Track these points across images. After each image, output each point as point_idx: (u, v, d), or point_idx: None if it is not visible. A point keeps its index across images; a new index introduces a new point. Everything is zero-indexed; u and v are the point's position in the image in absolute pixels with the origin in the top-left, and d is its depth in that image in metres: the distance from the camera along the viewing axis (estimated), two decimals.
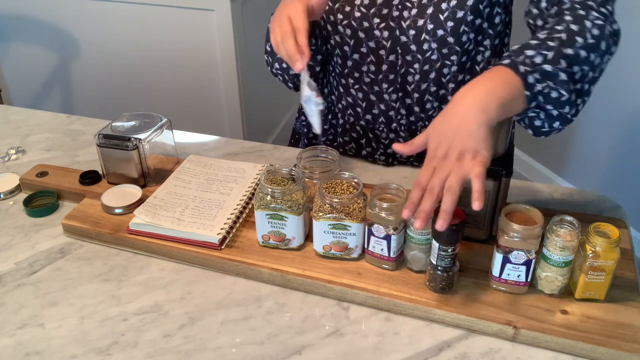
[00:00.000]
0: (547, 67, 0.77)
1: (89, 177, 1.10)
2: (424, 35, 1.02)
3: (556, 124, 0.85)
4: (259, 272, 0.90)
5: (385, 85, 1.10)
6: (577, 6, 0.85)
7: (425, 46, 1.03)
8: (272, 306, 0.86)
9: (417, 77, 1.07)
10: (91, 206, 1.03)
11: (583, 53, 0.80)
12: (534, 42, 0.80)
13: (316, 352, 0.79)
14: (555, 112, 0.82)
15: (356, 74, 1.12)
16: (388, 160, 1.19)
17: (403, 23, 1.02)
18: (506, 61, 0.77)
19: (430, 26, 1.01)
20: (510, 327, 0.79)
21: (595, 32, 0.82)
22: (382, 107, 1.13)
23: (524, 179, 1.15)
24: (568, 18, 0.82)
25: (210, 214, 0.98)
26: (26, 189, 1.12)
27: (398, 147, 0.81)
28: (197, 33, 2.22)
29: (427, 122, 1.14)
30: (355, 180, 0.90)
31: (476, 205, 0.72)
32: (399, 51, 1.05)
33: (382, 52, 1.06)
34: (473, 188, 0.72)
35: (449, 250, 0.80)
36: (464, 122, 0.74)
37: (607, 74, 0.93)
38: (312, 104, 0.94)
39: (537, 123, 0.85)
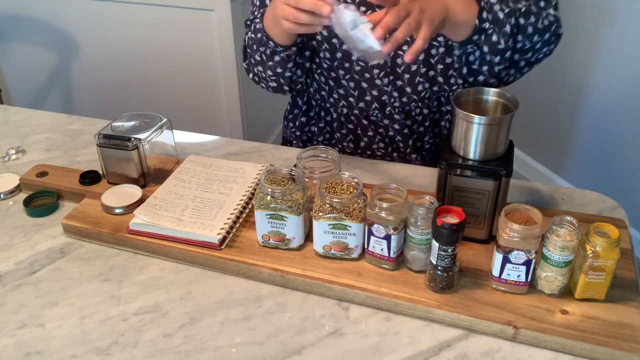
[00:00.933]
0: (500, 15, 0.95)
1: (89, 177, 1.10)
2: None
3: (484, 68, 1.03)
4: (259, 272, 0.90)
5: (376, 71, 1.11)
6: None
7: None
8: (272, 306, 0.86)
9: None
10: (91, 206, 1.03)
11: (530, 29, 0.98)
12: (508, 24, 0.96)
13: (316, 352, 0.79)
14: (487, 57, 1.00)
15: (346, 64, 1.13)
16: (387, 149, 1.20)
17: None
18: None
19: None
20: (510, 327, 0.79)
21: (546, 22, 0.99)
22: (375, 92, 1.14)
23: (524, 179, 1.15)
24: (536, 16, 0.98)
25: (210, 214, 0.98)
26: (26, 189, 1.12)
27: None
28: (197, 33, 2.22)
29: (420, 103, 1.15)
30: (355, 180, 0.90)
31: (407, 57, 0.83)
32: (387, 36, 1.05)
33: None
34: (414, 44, 0.83)
35: (449, 250, 0.80)
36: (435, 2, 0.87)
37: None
38: (360, 25, 0.84)
39: (471, 58, 1.03)
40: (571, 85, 2.29)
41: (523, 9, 0.97)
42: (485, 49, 0.99)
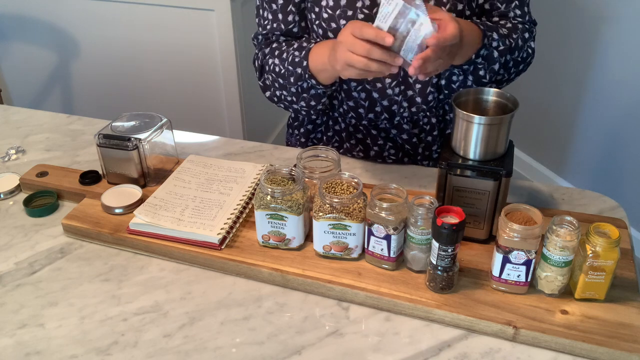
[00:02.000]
0: (494, 54, 1.04)
1: (89, 177, 1.10)
2: None
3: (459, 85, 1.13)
4: (259, 272, 0.90)
5: (388, 81, 1.11)
6: (527, 26, 1.10)
7: None
8: (272, 306, 0.86)
9: None
10: (91, 206, 1.03)
11: (511, 63, 1.08)
12: (502, 32, 1.04)
13: (316, 352, 0.79)
14: (468, 83, 1.10)
15: None
16: (398, 155, 1.19)
17: None
18: (482, 27, 1.02)
19: None
20: (510, 327, 0.79)
21: (525, 54, 1.10)
22: (385, 102, 1.14)
23: (524, 179, 1.15)
24: (520, 34, 1.07)
25: (210, 214, 0.98)
26: (26, 189, 1.12)
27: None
28: (197, 33, 2.22)
29: (428, 113, 1.15)
30: (355, 180, 0.90)
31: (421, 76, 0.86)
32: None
33: None
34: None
35: (449, 250, 0.80)
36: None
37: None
38: (421, 13, 0.82)
39: (453, 78, 1.11)
40: (571, 85, 2.29)
41: (512, 44, 1.05)
42: (470, 78, 1.08)
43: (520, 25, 1.09)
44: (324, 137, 1.26)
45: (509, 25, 1.08)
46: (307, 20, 1.13)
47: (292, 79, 1.08)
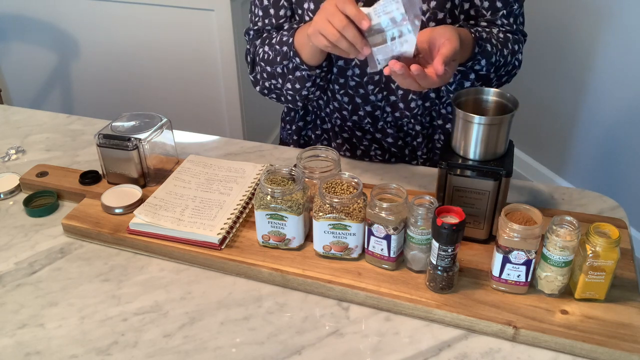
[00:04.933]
0: (485, 69, 1.04)
1: (89, 177, 1.10)
2: None
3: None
4: (259, 272, 0.90)
5: (370, 87, 1.12)
6: (516, 37, 1.10)
7: None
8: (272, 306, 0.86)
9: None
10: (91, 206, 1.03)
11: (494, 77, 1.08)
12: (494, 42, 1.04)
13: (316, 352, 0.79)
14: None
15: (341, 80, 1.13)
16: (385, 156, 1.20)
17: None
18: (477, 39, 1.01)
19: None
20: (510, 327, 0.79)
21: (510, 67, 1.10)
22: (368, 108, 1.15)
23: (524, 179, 1.15)
24: (511, 45, 1.07)
25: (210, 214, 0.98)
26: (26, 189, 1.12)
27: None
28: (197, 33, 2.22)
29: (412, 120, 1.16)
30: (355, 180, 0.90)
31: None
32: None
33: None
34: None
35: (449, 250, 0.80)
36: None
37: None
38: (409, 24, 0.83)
39: (477, 67, 1.07)
40: (571, 85, 2.29)
41: (501, 61, 1.05)
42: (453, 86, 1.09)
43: (510, 36, 1.08)
44: (313, 135, 1.27)
45: (501, 35, 1.07)
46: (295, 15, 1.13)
47: (278, 59, 1.07)
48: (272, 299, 0.87)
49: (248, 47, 1.18)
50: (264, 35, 1.14)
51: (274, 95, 1.16)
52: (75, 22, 2.38)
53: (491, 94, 0.93)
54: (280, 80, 1.10)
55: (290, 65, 1.05)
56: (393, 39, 0.85)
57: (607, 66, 2.12)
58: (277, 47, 1.07)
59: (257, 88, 1.18)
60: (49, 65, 2.54)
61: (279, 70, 1.09)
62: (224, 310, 0.85)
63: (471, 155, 0.89)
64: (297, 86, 1.08)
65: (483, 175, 0.88)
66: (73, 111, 2.61)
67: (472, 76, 1.05)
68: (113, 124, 1.09)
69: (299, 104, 1.15)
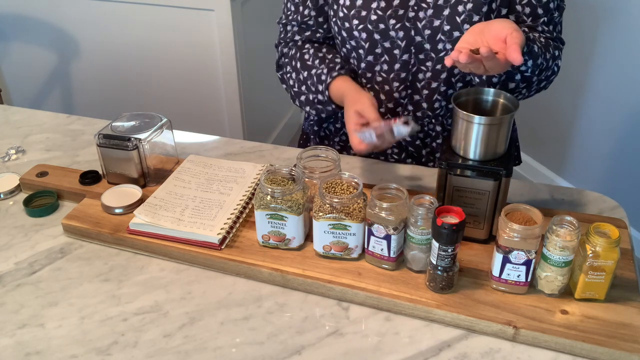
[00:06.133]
0: (538, 60, 1.02)
1: (89, 177, 1.10)
2: (439, 36, 1.04)
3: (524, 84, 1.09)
4: (259, 272, 0.90)
5: (396, 84, 1.12)
6: (556, 43, 1.10)
7: (440, 46, 1.05)
8: (272, 306, 0.86)
9: (428, 74, 1.10)
10: (91, 206, 1.03)
11: (535, 80, 1.08)
12: (538, 44, 1.02)
13: (316, 352, 0.79)
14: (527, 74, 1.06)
15: (368, 74, 1.13)
16: (401, 155, 1.20)
17: (418, 23, 1.04)
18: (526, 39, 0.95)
19: (446, 27, 1.03)
20: (510, 327, 0.79)
21: (549, 72, 1.10)
22: (391, 105, 1.15)
23: (524, 179, 1.15)
24: (552, 50, 1.07)
25: (210, 214, 0.98)
26: (26, 189, 1.12)
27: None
28: (197, 33, 2.22)
29: (434, 120, 1.15)
30: (355, 180, 0.90)
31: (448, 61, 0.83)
32: (413, 50, 1.08)
33: (396, 51, 1.08)
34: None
35: (449, 250, 0.80)
36: None
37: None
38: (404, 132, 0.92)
39: (523, 68, 1.06)
40: (571, 85, 2.29)
41: (544, 65, 1.04)
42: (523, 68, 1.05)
43: (551, 42, 1.07)
44: (333, 128, 1.27)
45: (542, 40, 1.06)
46: (325, 15, 1.16)
47: (312, 88, 1.13)
48: (272, 299, 0.87)
49: (281, 36, 1.23)
50: (298, 45, 1.19)
51: (290, 92, 1.22)
52: (75, 22, 2.38)
53: (491, 94, 0.93)
54: (303, 99, 1.18)
55: (320, 98, 1.13)
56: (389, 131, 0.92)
57: (607, 66, 2.12)
58: (308, 86, 1.14)
59: (284, 86, 1.24)
60: (49, 65, 2.54)
61: (310, 97, 1.15)
62: (224, 310, 0.85)
63: (471, 155, 0.89)
64: (323, 115, 1.18)
65: (483, 175, 0.88)
66: (73, 111, 2.61)
67: (518, 77, 1.04)
68: (113, 124, 1.09)
69: (313, 117, 1.22)
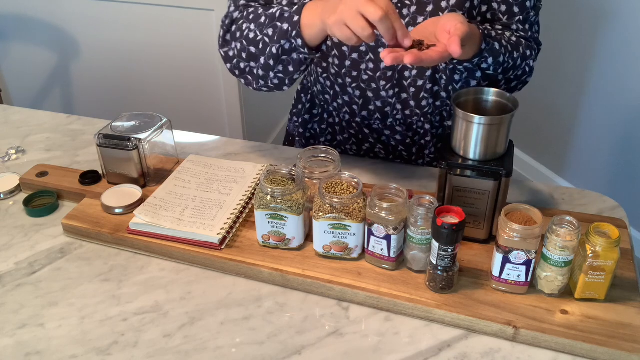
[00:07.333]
0: (499, 57, 1.01)
1: (89, 177, 1.10)
2: None
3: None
4: (259, 272, 0.90)
5: (382, 83, 1.11)
6: (529, 43, 1.09)
7: None
8: (272, 306, 0.86)
9: (414, 72, 1.09)
10: (91, 206, 1.03)
11: (502, 79, 1.07)
12: (503, 42, 1.01)
13: (316, 352, 0.79)
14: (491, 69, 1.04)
15: (354, 73, 1.12)
16: (389, 156, 1.20)
17: (402, 20, 1.03)
18: (485, 36, 0.98)
19: None
20: (510, 327, 0.79)
21: (519, 72, 1.08)
22: (379, 103, 1.14)
23: (524, 179, 1.15)
24: (523, 49, 1.06)
25: (210, 214, 0.98)
26: (26, 189, 1.12)
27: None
28: (197, 33, 2.22)
29: (422, 118, 1.15)
30: (355, 180, 0.90)
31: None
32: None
33: (380, 49, 1.06)
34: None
35: (449, 250, 0.80)
36: None
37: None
38: None
39: (456, 77, 1.11)
40: (571, 85, 2.29)
41: (510, 64, 1.03)
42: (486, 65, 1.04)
43: (523, 41, 1.07)
44: (319, 129, 1.27)
45: (513, 39, 1.05)
46: None
47: (275, 37, 0.97)
48: (272, 299, 0.87)
49: (224, 19, 1.09)
50: (250, 10, 1.05)
51: (243, 80, 1.09)
52: (75, 22, 2.38)
53: (491, 94, 0.93)
54: (264, 69, 1.02)
55: (287, 46, 0.96)
56: None
57: (607, 66, 2.12)
58: (277, 23, 0.97)
59: (228, 66, 1.09)
60: (49, 65, 2.54)
61: (274, 50, 0.98)
62: (224, 310, 0.85)
63: (471, 155, 0.89)
64: (291, 69, 1.00)
65: (483, 175, 0.88)
66: (73, 111, 2.61)
67: (479, 74, 1.04)
68: (113, 124, 1.09)
69: (285, 88, 1.07)
